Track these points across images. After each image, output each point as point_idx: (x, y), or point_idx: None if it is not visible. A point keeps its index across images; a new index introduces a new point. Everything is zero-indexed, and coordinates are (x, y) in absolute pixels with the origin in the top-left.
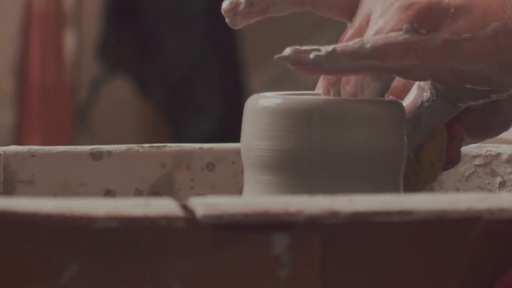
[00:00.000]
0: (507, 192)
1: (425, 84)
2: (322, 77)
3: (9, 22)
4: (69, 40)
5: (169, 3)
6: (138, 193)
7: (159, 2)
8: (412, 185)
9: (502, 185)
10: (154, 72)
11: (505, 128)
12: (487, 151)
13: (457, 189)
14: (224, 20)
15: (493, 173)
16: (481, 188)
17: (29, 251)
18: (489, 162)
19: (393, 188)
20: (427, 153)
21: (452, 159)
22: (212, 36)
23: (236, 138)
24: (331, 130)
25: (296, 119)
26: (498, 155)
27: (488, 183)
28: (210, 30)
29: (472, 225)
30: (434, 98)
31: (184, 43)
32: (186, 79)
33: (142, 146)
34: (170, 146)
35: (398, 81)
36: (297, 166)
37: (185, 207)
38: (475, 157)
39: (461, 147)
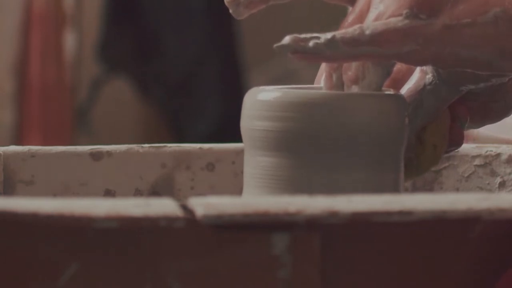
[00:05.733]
0: (507, 192)
1: (427, 67)
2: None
3: (9, 22)
4: (69, 40)
5: (169, 3)
6: (138, 193)
7: (159, 2)
8: (414, 168)
9: (502, 185)
10: (154, 72)
11: (506, 114)
12: (487, 151)
13: (457, 189)
14: (224, 20)
15: (493, 173)
16: (481, 188)
17: (29, 251)
18: (489, 162)
19: (393, 171)
20: (430, 135)
21: (455, 141)
22: (212, 36)
23: (236, 138)
24: (332, 114)
25: (296, 110)
26: (498, 155)
27: (488, 183)
28: (210, 30)
29: (472, 225)
30: (437, 81)
31: (184, 43)
32: (186, 79)
33: (142, 146)
34: (170, 146)
35: (401, 64)
36: (297, 146)
37: (185, 207)
38: (475, 157)
39: (464, 130)
